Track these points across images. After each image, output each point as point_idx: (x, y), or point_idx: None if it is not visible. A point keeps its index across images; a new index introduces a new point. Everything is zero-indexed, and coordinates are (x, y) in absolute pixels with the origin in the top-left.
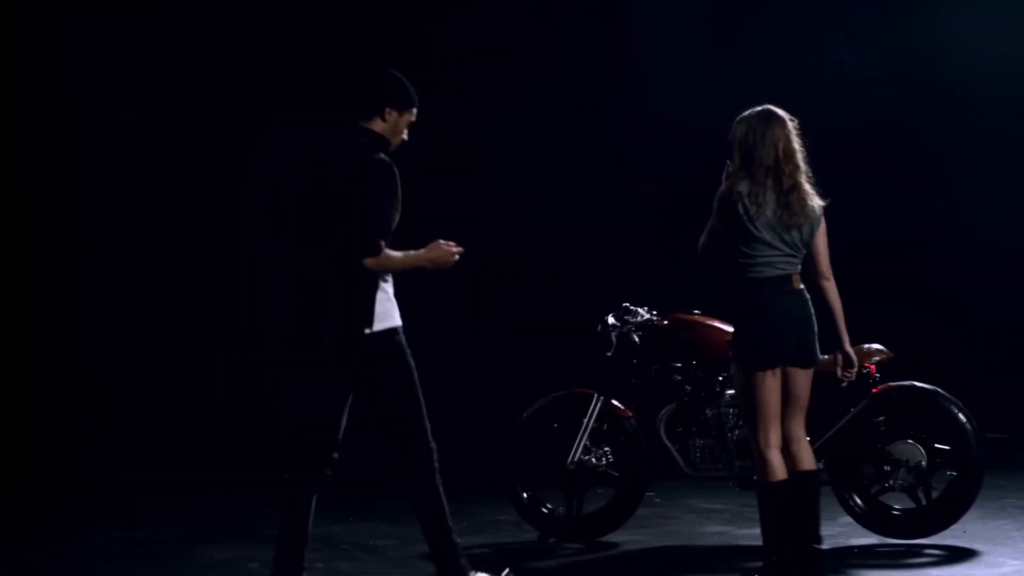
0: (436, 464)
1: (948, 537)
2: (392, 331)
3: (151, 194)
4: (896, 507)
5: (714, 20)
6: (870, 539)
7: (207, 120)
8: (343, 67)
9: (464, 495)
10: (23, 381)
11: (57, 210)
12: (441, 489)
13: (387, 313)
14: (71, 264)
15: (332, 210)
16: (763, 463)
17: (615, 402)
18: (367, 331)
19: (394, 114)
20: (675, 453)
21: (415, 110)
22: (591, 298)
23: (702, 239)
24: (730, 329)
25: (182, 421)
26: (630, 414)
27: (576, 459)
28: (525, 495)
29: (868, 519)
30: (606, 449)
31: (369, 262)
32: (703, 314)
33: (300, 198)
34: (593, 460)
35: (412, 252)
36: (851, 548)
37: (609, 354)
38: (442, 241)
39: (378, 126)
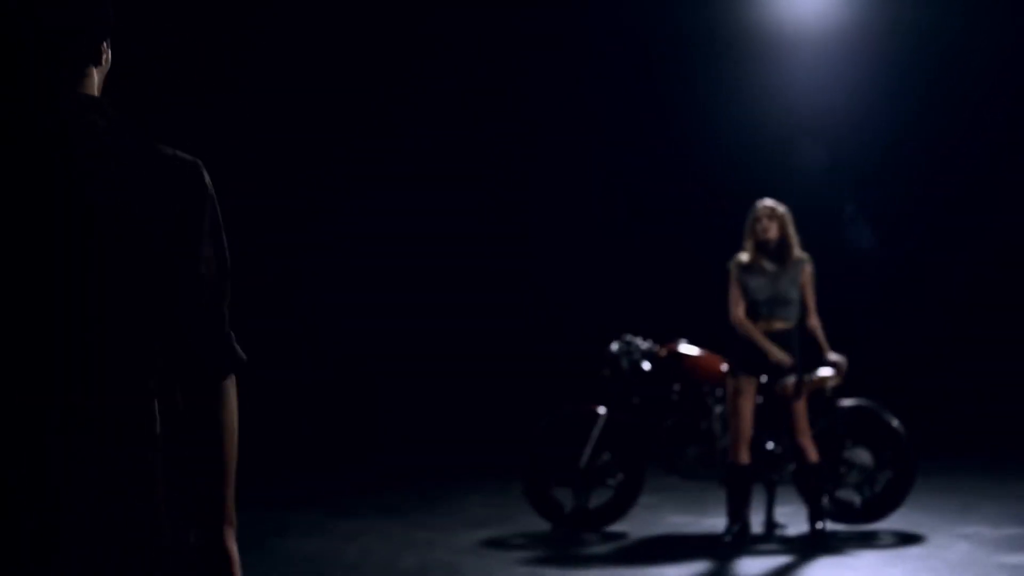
0: None
1: (883, 523)
2: None
3: None
4: (855, 500)
5: None
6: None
7: None
8: None
9: (491, 496)
10: None
11: None
12: None
13: None
14: None
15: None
16: None
17: (619, 415)
18: None
19: (108, 54)
20: (674, 459)
21: None
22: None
23: None
24: (718, 357)
25: None
26: (632, 425)
27: (586, 463)
28: (540, 493)
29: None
30: (610, 454)
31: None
32: (689, 343)
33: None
34: (600, 463)
35: None
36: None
37: (624, 376)
38: None
39: (92, 85)
